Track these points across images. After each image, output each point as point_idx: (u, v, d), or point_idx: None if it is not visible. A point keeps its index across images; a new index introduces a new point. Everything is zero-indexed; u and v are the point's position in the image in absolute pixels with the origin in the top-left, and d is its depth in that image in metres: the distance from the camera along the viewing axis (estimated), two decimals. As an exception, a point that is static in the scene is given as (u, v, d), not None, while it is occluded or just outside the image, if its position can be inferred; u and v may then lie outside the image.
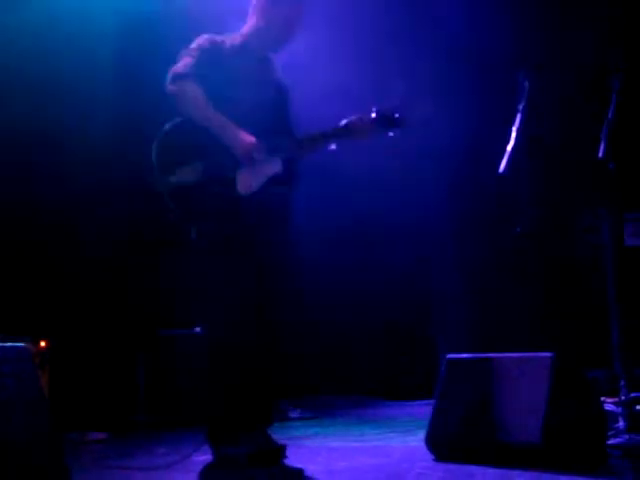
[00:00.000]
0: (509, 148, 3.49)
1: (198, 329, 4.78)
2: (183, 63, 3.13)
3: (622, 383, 3.33)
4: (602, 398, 3.30)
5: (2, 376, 2.31)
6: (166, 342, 5.16)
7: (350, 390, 6.32)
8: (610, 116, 3.40)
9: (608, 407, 3.31)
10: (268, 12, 3.26)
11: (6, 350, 2.36)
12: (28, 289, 5.03)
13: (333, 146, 3.25)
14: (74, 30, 5.24)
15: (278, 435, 3.24)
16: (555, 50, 5.33)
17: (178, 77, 3.10)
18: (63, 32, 5.19)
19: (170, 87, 3.12)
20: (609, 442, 3.09)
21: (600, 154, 3.36)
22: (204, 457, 3.17)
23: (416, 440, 3.63)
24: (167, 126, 3.14)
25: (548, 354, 2.98)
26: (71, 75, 5.25)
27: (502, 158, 3.48)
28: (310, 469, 3.09)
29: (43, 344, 4.50)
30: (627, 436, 3.16)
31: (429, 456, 3.25)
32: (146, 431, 4.73)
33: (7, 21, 4.96)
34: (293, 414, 5.29)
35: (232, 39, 3.29)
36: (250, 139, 3.09)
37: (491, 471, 2.90)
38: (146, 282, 5.54)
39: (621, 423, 3.25)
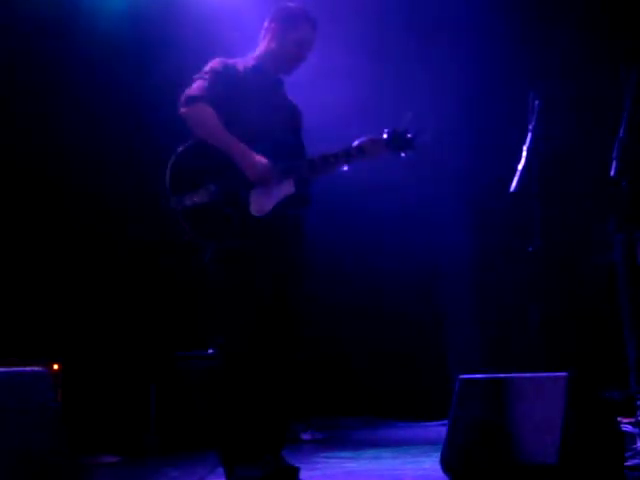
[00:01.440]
0: (520, 167, 3.50)
1: (211, 350, 4.77)
2: (196, 86, 3.17)
3: (638, 403, 3.30)
4: (618, 418, 3.26)
5: (22, 401, 2.31)
6: (178, 363, 5.16)
7: (362, 411, 6.29)
8: (622, 134, 3.40)
9: (625, 428, 3.28)
10: (281, 35, 3.29)
11: (25, 375, 2.36)
12: (40, 312, 5.04)
13: (345, 167, 3.26)
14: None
15: (291, 457, 3.22)
16: (567, 69, 5.35)
17: (191, 100, 3.13)
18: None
19: (183, 109, 3.15)
20: (627, 463, 3.06)
21: (612, 172, 3.36)
22: (218, 480, 3.16)
23: (431, 462, 3.59)
24: (180, 148, 3.17)
25: (563, 374, 2.96)
26: (84, 93, 5.30)
27: (513, 177, 3.48)
28: (324, 492, 3.07)
29: (56, 367, 4.50)
30: (645, 457, 3.13)
31: (445, 478, 3.22)
32: (159, 454, 4.71)
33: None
34: (305, 436, 5.27)
35: (245, 62, 3.32)
36: (263, 161, 3.11)
37: (508, 493, 2.87)
38: (159, 304, 5.54)
39: (639, 444, 3.21)
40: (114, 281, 5.44)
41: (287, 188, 3.17)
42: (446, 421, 3.39)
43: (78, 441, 4.27)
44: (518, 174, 3.48)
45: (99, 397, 5.12)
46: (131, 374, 5.29)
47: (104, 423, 4.97)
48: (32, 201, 5.17)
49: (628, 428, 3.29)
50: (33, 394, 2.34)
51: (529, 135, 3.56)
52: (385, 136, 3.23)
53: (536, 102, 3.59)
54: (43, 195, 5.21)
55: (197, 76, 3.21)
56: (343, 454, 4.48)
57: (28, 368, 2.39)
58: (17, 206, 5.08)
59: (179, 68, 3.39)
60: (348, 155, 3.21)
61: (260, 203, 3.11)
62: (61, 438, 2.34)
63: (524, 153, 3.53)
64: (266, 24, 3.38)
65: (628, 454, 3.12)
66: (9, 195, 5.06)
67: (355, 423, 6.06)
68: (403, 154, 3.25)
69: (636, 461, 3.10)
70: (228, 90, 3.18)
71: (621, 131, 3.39)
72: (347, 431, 5.69)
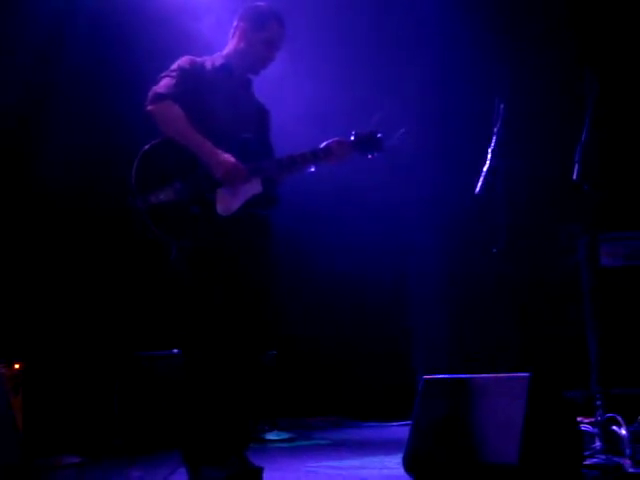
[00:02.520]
0: (485, 169, 3.53)
1: (176, 350, 4.74)
2: (164, 83, 3.15)
3: (598, 403, 3.35)
4: (579, 418, 3.32)
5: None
6: (143, 363, 5.11)
7: (327, 411, 6.30)
8: (584, 138, 3.45)
9: (585, 427, 3.33)
10: (249, 34, 3.30)
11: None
12: (2, 310, 4.97)
13: (312, 168, 3.27)
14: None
15: (255, 457, 3.22)
16: (529, 73, 5.42)
17: (158, 97, 3.12)
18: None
19: (150, 107, 3.13)
20: (586, 463, 3.11)
21: (574, 176, 3.41)
22: (181, 480, 3.14)
23: (394, 462, 3.61)
24: (147, 146, 3.15)
25: (525, 374, 3.00)
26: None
27: (478, 179, 3.52)
28: (288, 492, 3.07)
29: (17, 366, 4.43)
30: (604, 456, 3.18)
31: (407, 478, 3.24)
32: (122, 454, 4.67)
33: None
34: (270, 436, 5.26)
35: (213, 60, 3.32)
36: (230, 160, 3.10)
37: (469, 492, 2.89)
38: (124, 303, 5.50)
39: (597, 443, 3.27)
40: (77, 280, 5.38)
41: (254, 187, 3.17)
42: (409, 422, 3.41)
43: (40, 441, 4.22)
44: (483, 176, 3.52)
45: (62, 397, 5.05)
46: (95, 374, 5.24)
47: (67, 423, 4.91)
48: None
49: (588, 428, 3.34)
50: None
51: (494, 138, 3.60)
52: (352, 138, 3.25)
53: (501, 106, 3.63)
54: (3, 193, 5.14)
55: (164, 74, 3.20)
56: (307, 454, 4.49)
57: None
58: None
59: (146, 65, 3.37)
60: (315, 156, 3.22)
61: (226, 202, 3.10)
62: (15, 440, 2.30)
63: (489, 155, 3.56)
64: (235, 23, 3.38)
65: (587, 453, 3.17)
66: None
67: (320, 423, 6.07)
68: (370, 156, 3.27)
69: (595, 460, 3.15)
70: (195, 88, 3.17)
71: (583, 135, 3.44)
72: (312, 431, 5.69)
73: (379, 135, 3.24)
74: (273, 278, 3.37)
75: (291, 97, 4.97)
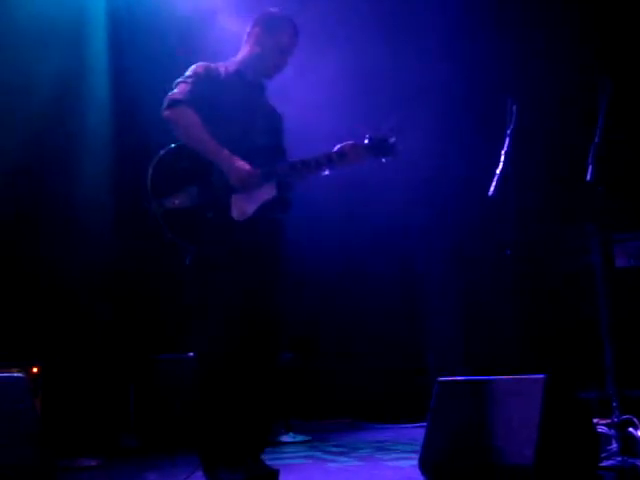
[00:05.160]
0: (498, 171, 3.53)
1: (191, 353, 4.77)
2: (179, 89, 3.18)
3: (614, 405, 3.34)
4: (595, 420, 3.31)
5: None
6: (158, 366, 5.14)
7: (342, 413, 6.31)
8: (597, 139, 3.45)
9: (601, 429, 3.32)
10: (263, 40, 3.32)
11: (3, 380, 2.34)
12: (21, 315, 5.01)
13: (326, 172, 3.28)
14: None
15: (271, 460, 3.23)
16: (543, 74, 5.41)
17: (174, 103, 3.15)
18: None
19: (166, 112, 3.16)
20: (602, 464, 3.10)
21: (588, 177, 3.41)
22: (198, 483, 3.16)
23: (409, 464, 3.62)
24: (162, 151, 3.18)
25: (541, 376, 3.00)
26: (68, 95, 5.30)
27: (492, 181, 3.52)
28: (304, 494, 3.08)
29: (35, 370, 4.48)
30: (620, 458, 3.17)
31: None
32: (138, 457, 4.70)
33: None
34: (286, 438, 5.27)
35: (227, 66, 3.34)
36: (245, 166, 3.12)
37: (485, 494, 2.90)
38: (139, 306, 5.53)
39: (614, 445, 3.25)
40: (93, 284, 5.42)
41: (269, 192, 3.19)
42: (424, 423, 3.41)
43: (58, 444, 4.26)
44: (496, 179, 3.52)
45: (79, 400, 5.09)
46: (111, 377, 5.27)
47: (84, 425, 4.95)
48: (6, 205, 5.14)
49: (604, 429, 3.33)
50: (9, 400, 2.32)
51: (507, 140, 3.60)
52: (366, 141, 3.26)
53: (514, 107, 3.63)
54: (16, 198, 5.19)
55: (180, 79, 3.23)
56: (323, 456, 4.50)
57: (4, 373, 2.38)
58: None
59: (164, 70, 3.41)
60: (329, 160, 3.23)
61: (241, 207, 3.12)
62: (39, 444, 2.32)
63: (502, 157, 3.56)
64: (249, 29, 3.40)
65: (603, 455, 3.16)
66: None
67: (335, 425, 6.08)
68: (383, 159, 3.28)
69: (611, 462, 3.14)
70: (210, 94, 3.19)
71: (597, 137, 3.43)
72: (327, 433, 5.70)
73: (393, 139, 3.24)
74: (288, 281, 3.38)
75: (307, 100, 4.99)
